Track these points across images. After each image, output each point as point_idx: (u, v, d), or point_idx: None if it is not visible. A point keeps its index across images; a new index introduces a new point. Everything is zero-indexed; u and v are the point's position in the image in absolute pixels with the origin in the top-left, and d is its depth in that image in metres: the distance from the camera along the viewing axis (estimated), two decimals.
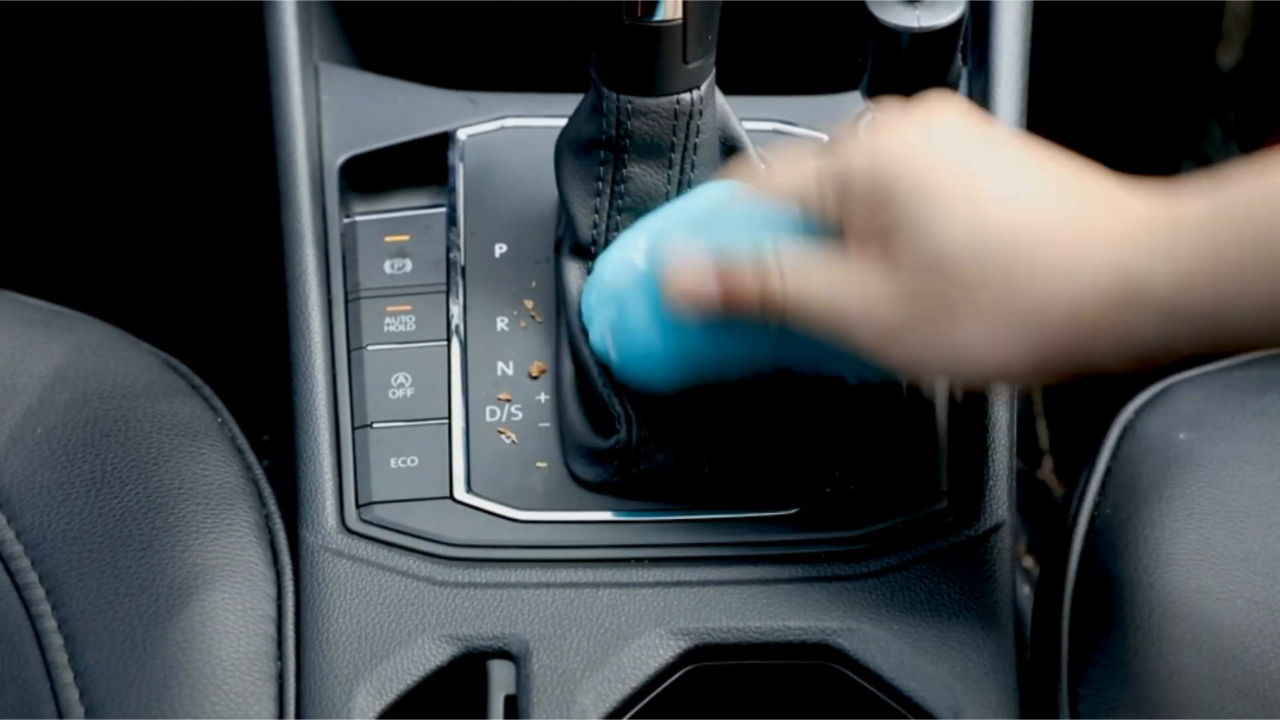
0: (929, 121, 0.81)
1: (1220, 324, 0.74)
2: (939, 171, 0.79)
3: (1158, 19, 1.39)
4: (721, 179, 0.90)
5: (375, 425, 0.90)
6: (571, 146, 0.91)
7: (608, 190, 0.90)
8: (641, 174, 0.90)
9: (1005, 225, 0.77)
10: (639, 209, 0.90)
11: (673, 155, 0.89)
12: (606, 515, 0.88)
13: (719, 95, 0.91)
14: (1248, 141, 1.43)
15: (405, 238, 0.96)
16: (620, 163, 0.89)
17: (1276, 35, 1.39)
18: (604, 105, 0.88)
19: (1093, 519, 0.90)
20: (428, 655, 0.84)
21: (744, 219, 0.85)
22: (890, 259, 0.79)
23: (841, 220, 0.81)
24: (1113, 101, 1.43)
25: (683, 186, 0.90)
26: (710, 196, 0.88)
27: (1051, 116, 1.05)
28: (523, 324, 0.93)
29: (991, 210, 0.78)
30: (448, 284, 0.94)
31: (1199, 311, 0.74)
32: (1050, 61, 0.98)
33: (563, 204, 0.91)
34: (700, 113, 0.88)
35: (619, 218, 0.91)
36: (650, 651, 0.84)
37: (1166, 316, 0.74)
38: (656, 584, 0.86)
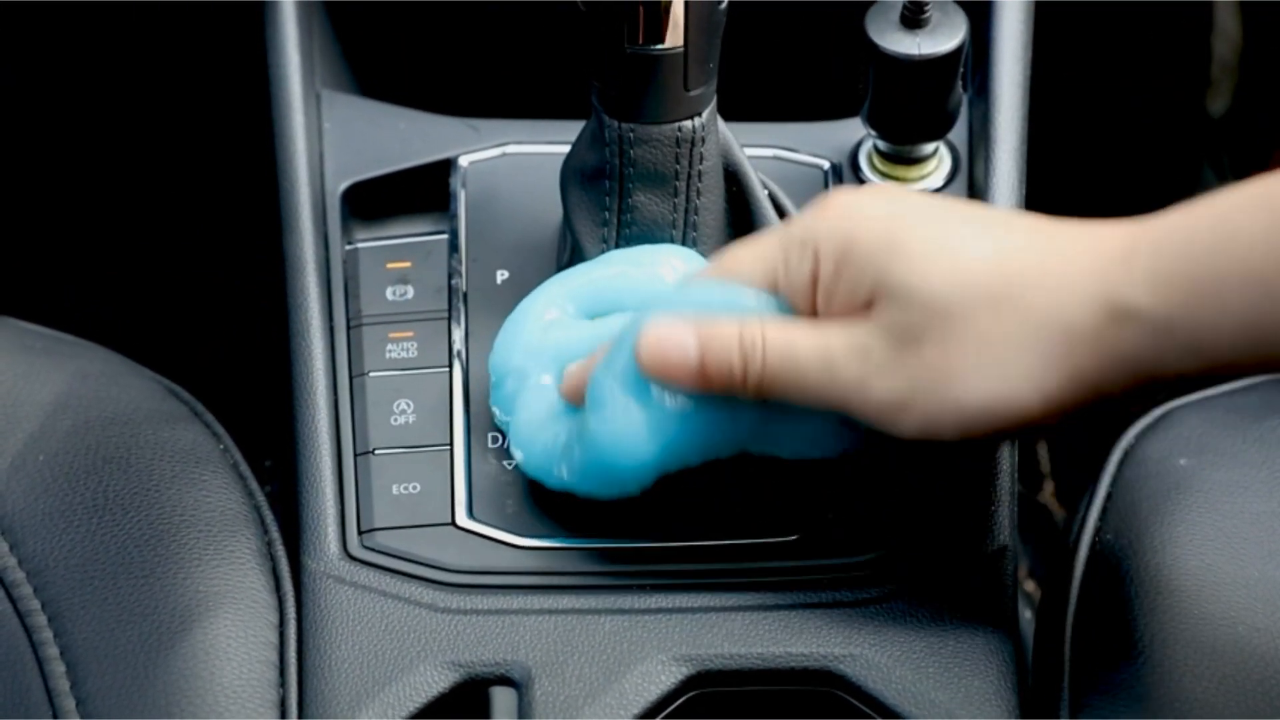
0: (886, 191, 0.82)
1: (1203, 345, 0.75)
2: (910, 230, 0.79)
3: (1147, 67, 1.40)
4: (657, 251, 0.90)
5: (377, 452, 0.90)
6: (576, 176, 0.91)
7: (614, 220, 0.90)
8: (647, 203, 0.90)
9: (986, 274, 0.78)
10: (646, 238, 0.90)
11: (677, 183, 0.89)
12: (608, 541, 0.88)
13: (720, 122, 0.91)
14: None
15: (407, 264, 0.96)
16: (625, 192, 0.89)
17: (1264, 81, 1.39)
18: (605, 133, 0.88)
19: (1094, 544, 0.90)
20: (430, 682, 0.84)
21: (701, 299, 0.84)
22: (874, 319, 0.79)
23: (813, 289, 0.81)
24: (1106, 150, 1.43)
25: (689, 214, 0.90)
26: (638, 263, 0.89)
27: (1046, 160, 1.05)
28: None
29: (970, 264, 0.78)
30: (450, 310, 0.94)
31: (1184, 330, 0.75)
32: (1040, 112, 0.98)
33: (570, 233, 0.92)
34: (703, 140, 0.89)
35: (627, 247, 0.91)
36: (652, 678, 0.84)
37: (1156, 333, 0.75)
38: (659, 610, 0.86)
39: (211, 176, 1.40)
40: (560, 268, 0.94)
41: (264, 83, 1.00)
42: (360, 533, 0.89)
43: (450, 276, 0.95)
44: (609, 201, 0.90)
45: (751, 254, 0.84)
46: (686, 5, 0.84)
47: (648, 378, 0.82)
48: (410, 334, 0.94)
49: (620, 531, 0.88)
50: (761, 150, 0.99)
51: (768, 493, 0.89)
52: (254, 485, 0.92)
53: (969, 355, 0.77)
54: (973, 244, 0.79)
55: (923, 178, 0.98)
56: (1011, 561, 0.88)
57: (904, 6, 0.89)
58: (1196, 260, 0.74)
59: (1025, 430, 0.79)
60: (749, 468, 0.89)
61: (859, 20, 0.93)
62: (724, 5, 0.86)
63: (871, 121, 0.97)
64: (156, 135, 1.39)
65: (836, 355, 0.80)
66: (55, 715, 0.83)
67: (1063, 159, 1.35)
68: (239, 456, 0.93)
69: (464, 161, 0.99)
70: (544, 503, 0.89)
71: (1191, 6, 1.39)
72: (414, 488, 0.89)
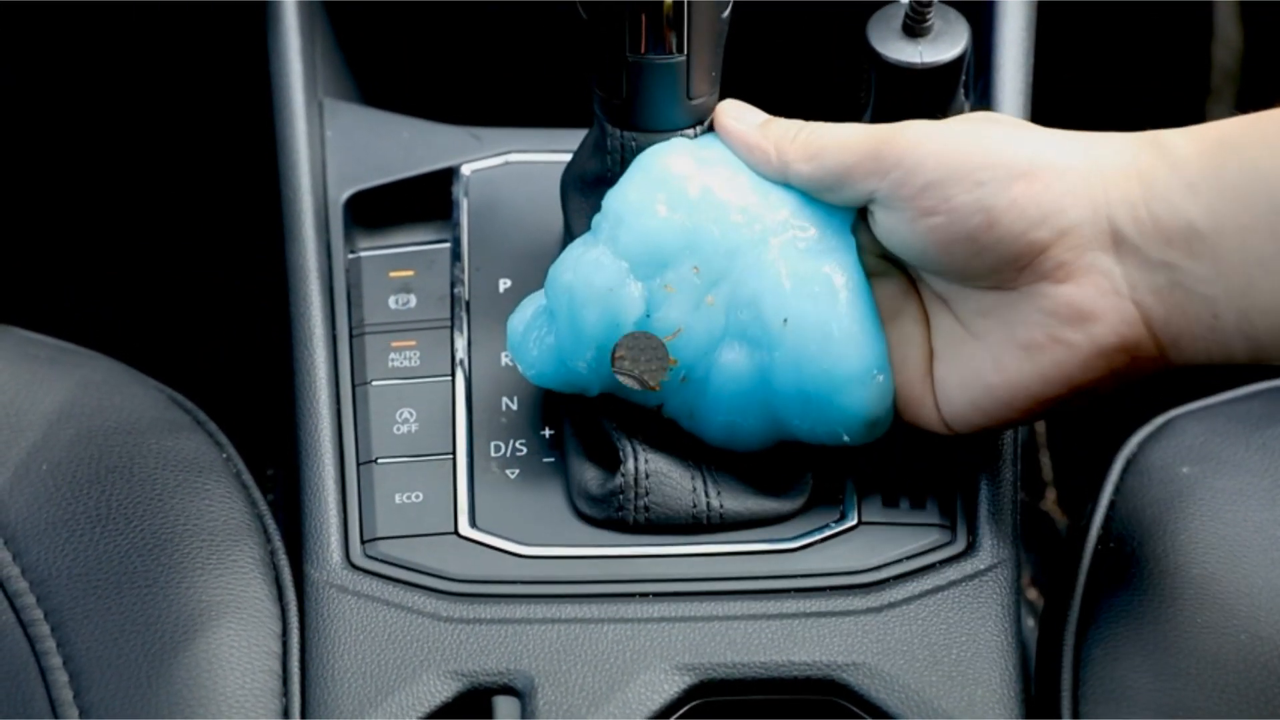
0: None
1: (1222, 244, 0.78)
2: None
3: (1147, 74, 1.40)
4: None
5: (380, 461, 0.90)
6: (577, 183, 0.91)
7: None
8: None
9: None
10: None
11: None
12: (611, 550, 0.88)
13: None
14: None
15: (410, 273, 0.96)
16: None
17: (1265, 88, 1.39)
18: (608, 141, 0.88)
19: (1097, 552, 0.90)
20: (432, 691, 0.84)
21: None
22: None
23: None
24: None
25: None
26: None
27: None
28: None
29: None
30: (452, 319, 0.94)
31: (1215, 193, 0.78)
32: (1041, 117, 0.99)
33: (569, 240, 0.92)
34: None
35: None
36: (655, 687, 0.84)
37: (1181, 175, 0.79)
38: (661, 619, 0.86)
39: (212, 179, 1.40)
40: None
41: (266, 90, 1.00)
42: (363, 542, 0.89)
43: (453, 285, 0.95)
44: None
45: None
46: (689, 12, 0.84)
47: (720, 127, 0.88)
48: (413, 343, 0.94)
49: (622, 540, 0.88)
50: None
51: (771, 500, 0.89)
52: (256, 494, 0.92)
53: (1003, 123, 0.84)
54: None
55: None
56: (1014, 569, 0.88)
57: (906, 14, 0.89)
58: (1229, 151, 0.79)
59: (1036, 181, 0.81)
60: (752, 475, 0.89)
61: (861, 26, 0.93)
62: (727, 13, 0.86)
63: None
64: (158, 139, 1.40)
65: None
66: None
67: None
68: (241, 465, 0.93)
69: (466, 170, 0.99)
70: (546, 512, 0.89)
71: (1192, 12, 1.39)
72: (416, 497, 0.89)
